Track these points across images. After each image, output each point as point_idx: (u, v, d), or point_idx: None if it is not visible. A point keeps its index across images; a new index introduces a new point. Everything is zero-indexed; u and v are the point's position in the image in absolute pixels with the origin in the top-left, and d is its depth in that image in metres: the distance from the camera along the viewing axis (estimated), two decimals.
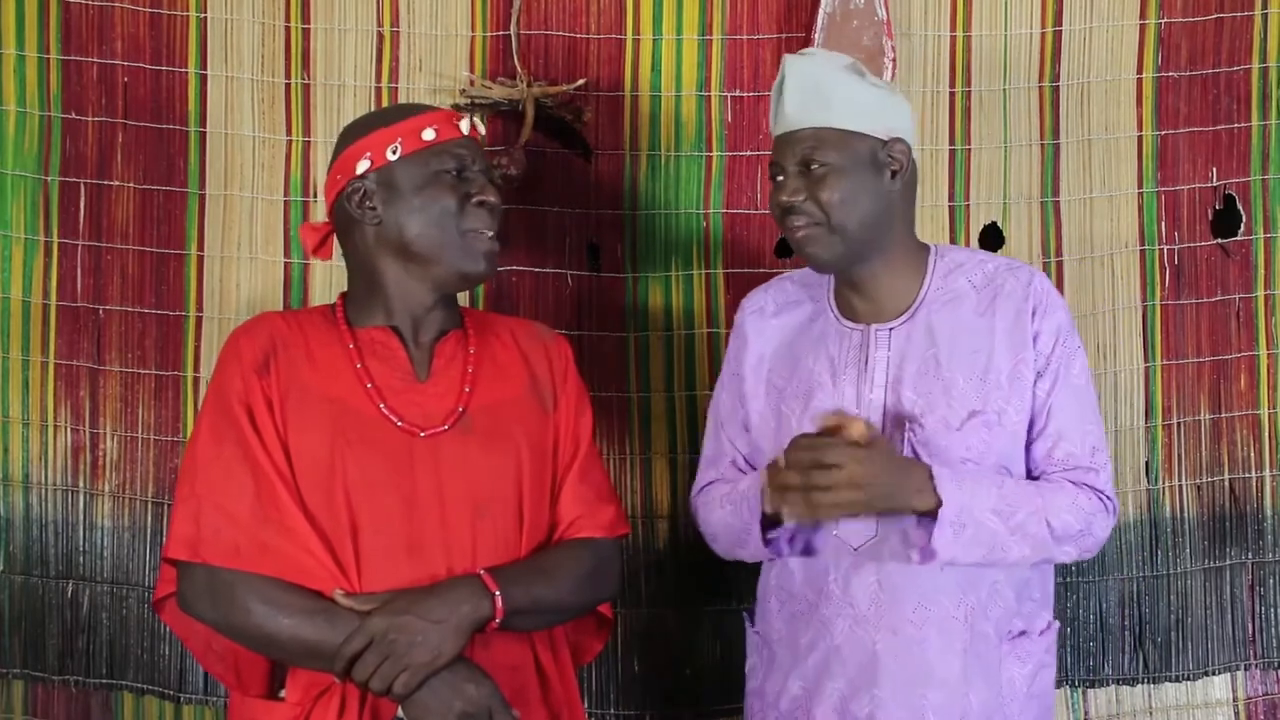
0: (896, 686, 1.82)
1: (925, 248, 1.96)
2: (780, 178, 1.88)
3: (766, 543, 1.90)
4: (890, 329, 1.89)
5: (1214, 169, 2.49)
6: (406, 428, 1.77)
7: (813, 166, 1.83)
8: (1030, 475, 1.89)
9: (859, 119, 1.84)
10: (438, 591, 1.69)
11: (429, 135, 1.79)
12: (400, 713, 1.69)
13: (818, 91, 1.84)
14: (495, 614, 1.70)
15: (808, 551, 1.90)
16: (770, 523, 1.88)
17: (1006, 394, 1.84)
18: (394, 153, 1.79)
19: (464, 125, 1.83)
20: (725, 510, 1.96)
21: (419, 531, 1.74)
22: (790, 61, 1.88)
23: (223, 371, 1.79)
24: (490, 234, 1.82)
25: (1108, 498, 1.87)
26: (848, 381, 1.88)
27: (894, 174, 1.86)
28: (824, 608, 1.87)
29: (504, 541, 1.78)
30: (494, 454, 1.80)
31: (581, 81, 2.39)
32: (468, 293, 2.38)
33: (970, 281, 1.90)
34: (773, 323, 2.01)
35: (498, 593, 1.70)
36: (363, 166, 1.80)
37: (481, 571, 1.72)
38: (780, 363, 1.97)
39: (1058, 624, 1.96)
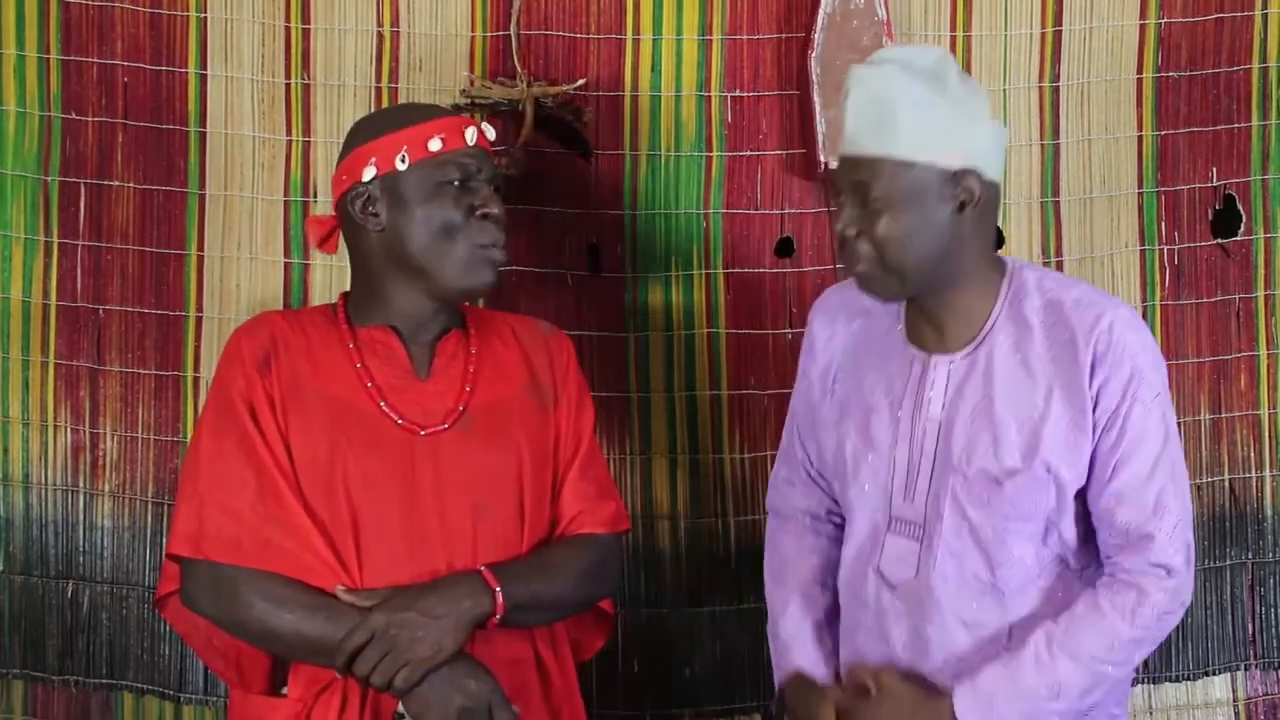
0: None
1: (999, 266, 1.80)
2: (838, 202, 1.75)
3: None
4: (951, 362, 1.77)
5: (1214, 169, 2.49)
6: (407, 426, 1.78)
7: (869, 197, 1.68)
8: (1091, 527, 1.77)
9: (924, 148, 1.66)
10: (439, 587, 1.70)
11: (435, 145, 1.79)
12: (400, 708, 1.69)
13: (880, 113, 1.67)
14: (496, 610, 1.71)
15: None
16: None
17: (1060, 451, 1.70)
18: (403, 162, 1.79)
19: (470, 134, 1.83)
20: (772, 610, 1.96)
21: (419, 529, 1.75)
22: (856, 73, 1.71)
23: (224, 370, 1.80)
24: (497, 248, 1.81)
25: (1170, 569, 1.70)
26: (904, 414, 1.79)
27: (962, 206, 1.69)
28: (860, 636, 1.86)
29: (505, 539, 1.79)
30: (495, 452, 1.81)
31: (581, 81, 2.39)
32: None
33: (1039, 316, 1.74)
34: (840, 330, 1.90)
35: (498, 589, 1.71)
36: (369, 173, 1.80)
37: (482, 568, 1.73)
38: (845, 375, 1.89)
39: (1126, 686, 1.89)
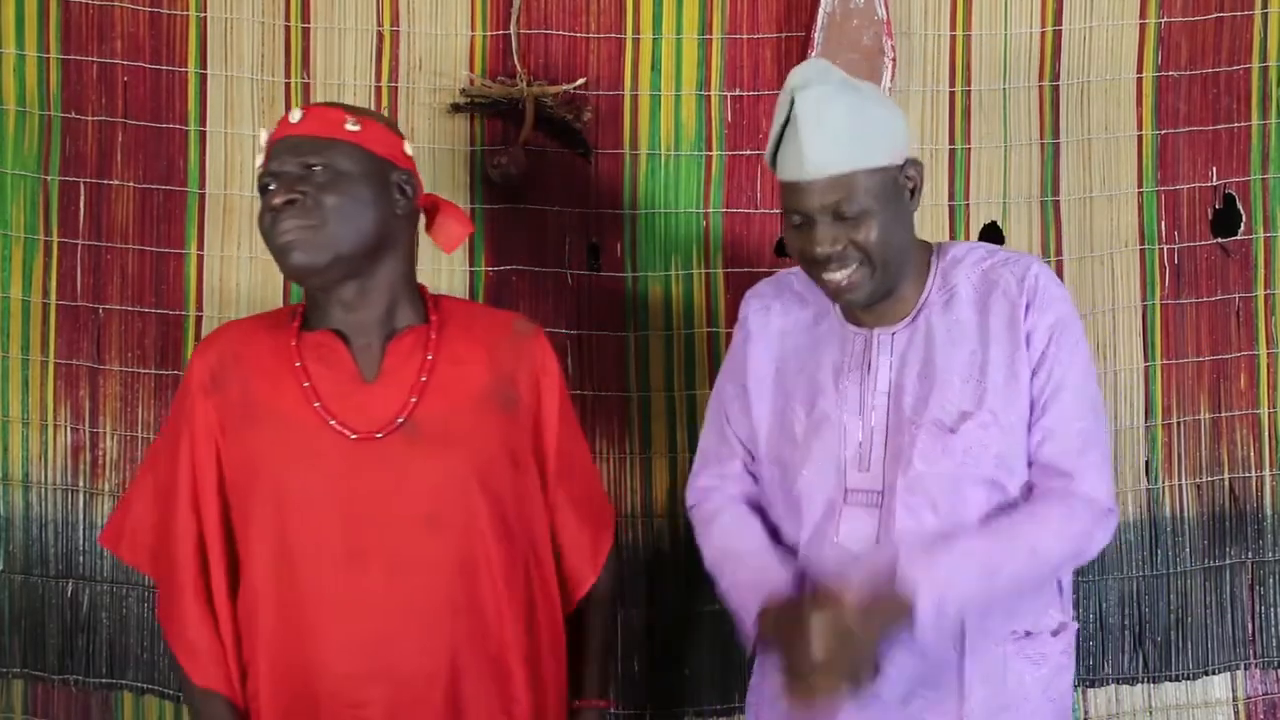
0: (892, 683, 1.79)
1: (926, 248, 1.92)
2: (802, 225, 1.79)
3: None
4: (893, 334, 1.87)
5: (1214, 168, 2.49)
6: (344, 432, 1.72)
7: (845, 211, 1.75)
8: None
9: (881, 153, 1.77)
10: None
11: (259, 161, 1.81)
12: None
13: (835, 132, 1.74)
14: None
15: None
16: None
17: (1003, 394, 1.81)
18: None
19: (263, 136, 1.80)
20: (727, 575, 1.92)
21: (358, 541, 1.70)
22: (798, 98, 1.76)
23: (180, 389, 1.85)
24: (284, 232, 1.70)
25: (1096, 501, 1.81)
26: (850, 385, 1.87)
27: (912, 193, 1.83)
28: None
29: (467, 552, 1.75)
30: (444, 460, 1.74)
31: (581, 81, 2.40)
32: (468, 288, 2.39)
33: (969, 278, 1.87)
34: (777, 321, 1.98)
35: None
36: None
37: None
38: (787, 365, 1.95)
39: (1075, 625, 1.93)
